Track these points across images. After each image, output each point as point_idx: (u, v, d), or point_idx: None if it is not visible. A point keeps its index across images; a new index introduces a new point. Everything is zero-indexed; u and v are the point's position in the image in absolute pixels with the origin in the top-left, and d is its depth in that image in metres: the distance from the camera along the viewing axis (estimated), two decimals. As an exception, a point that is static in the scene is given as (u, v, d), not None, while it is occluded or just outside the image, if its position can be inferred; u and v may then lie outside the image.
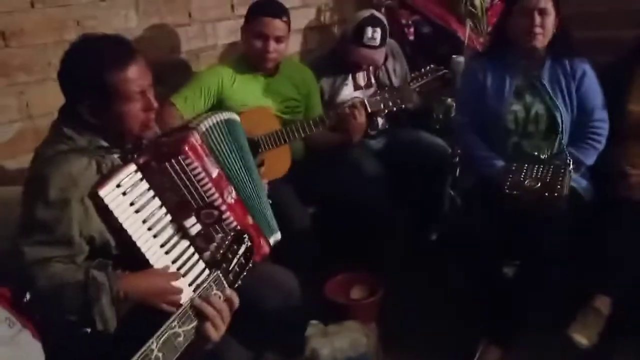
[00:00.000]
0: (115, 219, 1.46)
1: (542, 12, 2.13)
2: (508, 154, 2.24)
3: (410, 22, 3.07)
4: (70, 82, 1.52)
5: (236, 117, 1.84)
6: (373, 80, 2.80)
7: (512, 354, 2.07)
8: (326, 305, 2.32)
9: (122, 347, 1.03)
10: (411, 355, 2.17)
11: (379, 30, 2.59)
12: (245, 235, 1.34)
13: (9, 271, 1.28)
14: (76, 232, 1.42)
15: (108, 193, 1.44)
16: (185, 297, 1.60)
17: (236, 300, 1.20)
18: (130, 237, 1.48)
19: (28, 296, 1.09)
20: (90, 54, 1.49)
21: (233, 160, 1.75)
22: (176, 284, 1.50)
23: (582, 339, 1.90)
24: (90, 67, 1.47)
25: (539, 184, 2.01)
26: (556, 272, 2.02)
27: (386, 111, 2.42)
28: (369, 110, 2.34)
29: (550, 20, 2.15)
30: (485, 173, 2.22)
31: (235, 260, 1.28)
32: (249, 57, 2.43)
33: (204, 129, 1.68)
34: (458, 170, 2.70)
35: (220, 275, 1.21)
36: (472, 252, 2.13)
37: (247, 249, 1.34)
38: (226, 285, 1.21)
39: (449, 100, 2.83)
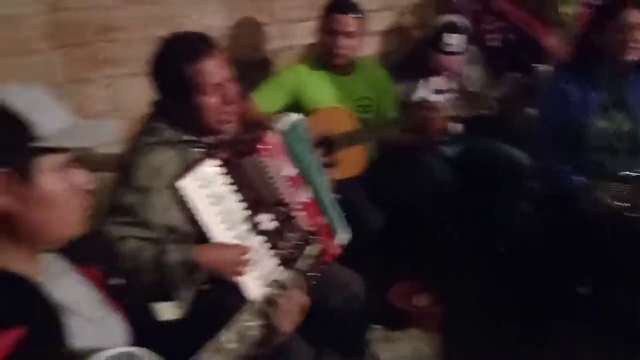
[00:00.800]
0: (194, 210, 1.54)
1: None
2: (590, 170, 2.15)
3: (494, 27, 3.00)
4: (157, 77, 1.61)
5: (303, 117, 1.87)
6: (450, 86, 2.77)
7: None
8: (390, 311, 2.31)
9: (198, 336, 1.08)
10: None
11: (458, 37, 2.57)
12: (317, 236, 1.37)
13: (108, 254, 1.37)
14: (156, 219, 1.51)
15: (188, 185, 1.53)
16: (255, 291, 1.65)
17: (306, 299, 1.22)
18: (206, 227, 1.56)
19: (118, 280, 1.15)
20: (172, 50, 1.59)
21: (307, 161, 1.79)
22: (244, 257, 1.56)
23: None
24: (171, 61, 1.57)
25: (622, 203, 1.93)
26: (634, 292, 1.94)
27: (463, 116, 2.39)
28: (446, 114, 2.32)
29: None
30: (564, 188, 2.14)
31: (305, 259, 1.31)
32: (323, 54, 2.48)
33: (282, 129, 1.72)
34: (533, 184, 2.61)
35: (292, 272, 1.24)
36: (543, 267, 2.07)
37: (318, 249, 1.36)
38: (297, 283, 1.24)
39: (530, 110, 2.75)
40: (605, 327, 2.01)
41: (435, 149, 2.70)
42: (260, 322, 1.12)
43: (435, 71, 2.68)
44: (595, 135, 2.14)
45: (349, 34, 2.41)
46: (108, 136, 1.02)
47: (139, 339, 1.08)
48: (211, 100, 1.58)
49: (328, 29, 2.43)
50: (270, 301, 1.15)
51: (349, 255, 1.98)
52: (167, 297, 1.50)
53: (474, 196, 2.69)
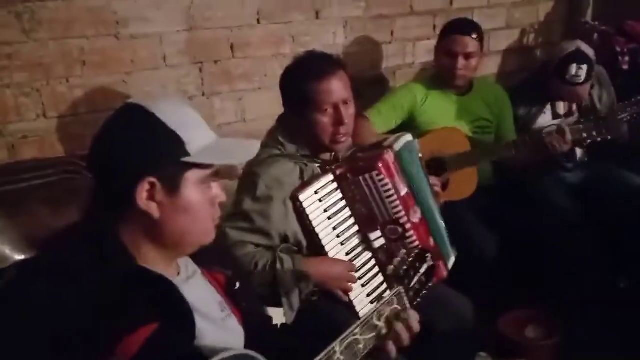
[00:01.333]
0: (310, 222, 1.62)
1: None
2: None
3: (625, 50, 2.83)
4: (284, 91, 1.73)
5: (413, 138, 1.88)
6: (575, 109, 2.64)
7: None
8: (498, 339, 2.24)
9: (306, 345, 1.12)
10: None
11: (584, 67, 2.41)
12: (428, 255, 1.37)
13: (227, 259, 1.47)
14: (273, 227, 1.60)
15: (307, 198, 1.61)
16: (362, 305, 1.69)
17: (417, 317, 1.23)
18: (320, 240, 1.63)
19: (238, 285, 1.24)
20: (301, 67, 1.70)
21: (420, 181, 1.80)
22: (352, 274, 1.63)
23: None
24: (297, 77, 1.67)
25: None
26: None
27: (589, 141, 2.28)
28: (569, 138, 2.23)
29: None
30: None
31: (416, 278, 1.31)
32: (440, 74, 2.47)
33: (397, 149, 1.75)
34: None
35: (402, 291, 1.25)
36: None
37: (428, 268, 1.37)
38: (406, 301, 1.25)
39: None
40: None
41: (555, 174, 2.59)
42: (367, 337, 1.14)
43: (558, 99, 2.58)
44: None
45: (468, 55, 2.38)
46: (251, 155, 1.11)
47: (253, 342, 1.15)
48: (325, 119, 1.65)
49: (447, 50, 2.41)
50: (382, 319, 1.17)
51: (460, 279, 1.96)
52: (276, 303, 1.58)
53: (597, 226, 2.54)
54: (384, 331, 1.17)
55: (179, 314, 1.00)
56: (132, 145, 0.98)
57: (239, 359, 0.98)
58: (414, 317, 1.20)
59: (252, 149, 1.11)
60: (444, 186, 2.29)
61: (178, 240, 1.05)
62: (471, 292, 1.97)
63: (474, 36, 2.40)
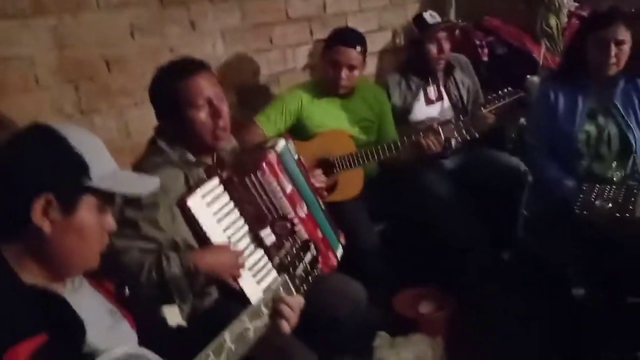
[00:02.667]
0: (200, 227, 1.64)
1: (619, 43, 2.12)
2: (579, 175, 2.23)
3: (484, 43, 3.11)
4: (155, 99, 1.76)
5: (290, 141, 1.96)
6: (444, 94, 2.84)
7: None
8: (395, 318, 2.38)
9: (202, 343, 1.17)
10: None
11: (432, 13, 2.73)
12: (311, 244, 1.45)
13: (115, 268, 1.47)
14: (160, 233, 1.61)
15: (195, 203, 1.63)
16: (256, 297, 1.74)
17: (302, 302, 1.31)
18: (211, 244, 1.65)
19: (127, 291, 1.26)
20: (165, 72, 1.74)
21: (300, 179, 1.89)
22: (240, 260, 1.65)
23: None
24: (164, 82, 1.71)
25: (611, 205, 1.99)
26: (628, 293, 1.99)
27: (459, 139, 2.48)
28: (443, 137, 2.41)
29: (626, 48, 2.14)
30: (556, 194, 2.22)
31: (301, 266, 1.39)
32: (324, 81, 2.58)
33: (279, 150, 1.83)
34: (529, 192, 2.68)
35: (287, 278, 1.33)
36: (542, 274, 2.13)
37: (313, 257, 1.45)
38: (292, 288, 1.32)
39: (522, 120, 2.83)
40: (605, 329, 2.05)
41: (434, 163, 2.79)
42: (258, 325, 1.21)
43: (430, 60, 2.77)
44: (582, 141, 2.22)
45: (352, 67, 2.50)
46: (150, 188, 1.16)
47: (149, 344, 1.17)
48: (201, 115, 1.69)
49: (331, 60, 2.50)
50: (267, 305, 1.24)
51: (352, 267, 2.08)
52: (170, 301, 1.59)
53: (476, 205, 2.76)
54: (270, 317, 1.23)
55: (68, 325, 1.02)
56: (36, 160, 1.02)
57: (129, 356, 1.00)
58: (296, 301, 1.27)
59: (152, 183, 1.17)
60: (333, 187, 2.41)
61: (64, 261, 1.06)
62: (366, 277, 2.10)
63: (359, 49, 2.50)
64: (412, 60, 2.85)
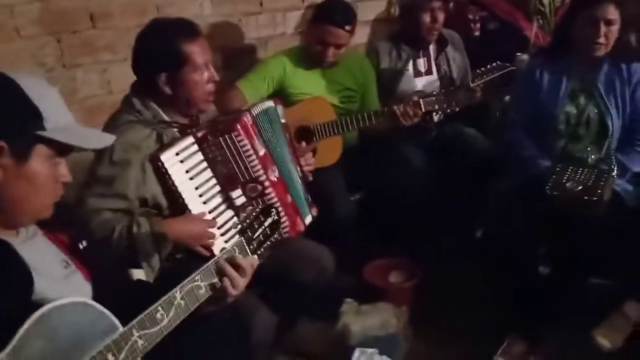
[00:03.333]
0: (171, 183, 1.67)
1: (609, 23, 2.11)
2: (555, 155, 2.25)
3: (477, 17, 3.09)
4: (147, 56, 1.75)
5: (274, 104, 1.98)
6: (434, 67, 2.82)
7: (537, 350, 2.11)
8: (364, 287, 2.44)
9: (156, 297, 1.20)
10: (439, 340, 2.24)
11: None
12: (273, 209, 1.48)
13: (70, 220, 1.50)
14: (131, 191, 1.64)
15: (168, 159, 1.66)
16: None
17: (255, 264, 1.35)
18: (183, 200, 1.70)
19: (84, 243, 1.29)
20: (166, 31, 1.73)
21: (278, 144, 1.91)
22: (211, 230, 1.69)
23: (605, 342, 1.91)
24: (167, 40, 1.70)
25: (580, 187, 2.01)
26: (590, 274, 2.03)
27: (440, 112, 2.48)
28: (423, 109, 2.41)
29: (615, 29, 2.13)
30: (529, 172, 2.24)
31: (260, 230, 1.42)
32: (309, 54, 2.55)
33: (255, 113, 1.85)
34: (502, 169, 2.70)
35: (244, 241, 1.36)
36: (509, 250, 2.17)
37: (274, 221, 1.48)
38: (248, 250, 1.36)
39: (507, 98, 2.83)
40: (564, 307, 2.10)
41: (414, 135, 2.79)
42: (208, 282, 1.25)
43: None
44: (561, 121, 2.23)
45: (339, 46, 2.48)
46: (105, 143, 1.18)
47: (102, 297, 1.21)
48: (202, 78, 1.73)
49: (318, 37, 2.47)
50: (217, 265, 1.28)
51: (324, 234, 2.12)
52: (137, 265, 1.64)
53: (452, 181, 2.77)
54: (220, 277, 1.28)
55: (13, 272, 1.05)
56: None
57: (72, 305, 1.04)
58: (247, 263, 1.32)
59: (107, 138, 1.20)
60: (312, 154, 2.42)
61: (14, 208, 1.08)
62: (338, 246, 2.14)
63: (347, 28, 2.46)
64: (404, 28, 2.82)
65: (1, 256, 1.05)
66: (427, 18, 2.67)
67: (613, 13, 2.11)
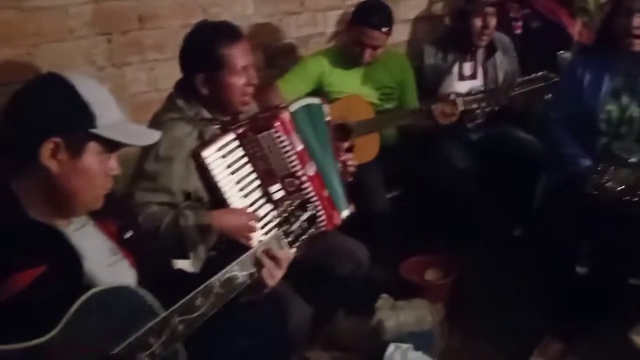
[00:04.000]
0: (213, 178, 1.74)
1: None
2: (597, 154, 2.21)
3: (519, 15, 3.05)
4: (190, 56, 1.83)
5: (319, 102, 2.02)
6: (480, 72, 2.81)
7: (574, 350, 2.09)
8: (400, 283, 2.46)
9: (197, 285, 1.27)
10: (474, 338, 2.25)
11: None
12: (310, 205, 1.53)
13: (119, 211, 1.59)
14: (175, 185, 1.72)
15: (210, 154, 1.73)
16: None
17: (290, 256, 1.40)
18: (223, 194, 1.76)
19: (130, 233, 1.37)
20: (208, 34, 1.81)
21: (317, 140, 1.95)
22: (253, 223, 1.75)
23: (641, 342, 1.88)
24: (208, 43, 1.78)
25: (621, 187, 1.99)
26: (629, 275, 2.01)
27: (478, 112, 2.47)
28: (460, 108, 2.42)
29: None
30: (571, 171, 2.21)
31: (297, 224, 1.47)
32: (348, 51, 2.60)
33: (293, 110, 1.89)
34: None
35: (281, 234, 1.41)
36: (549, 249, 2.16)
37: (311, 216, 1.53)
38: (285, 243, 1.41)
39: (549, 96, 2.78)
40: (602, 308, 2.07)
41: (456, 134, 2.79)
42: (245, 273, 1.30)
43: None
44: (602, 120, 2.20)
45: (376, 47, 2.52)
46: (152, 139, 1.26)
47: (147, 283, 1.28)
48: (239, 81, 1.79)
49: (356, 39, 2.53)
50: (255, 257, 1.33)
51: (361, 229, 2.15)
52: (184, 256, 1.72)
53: (494, 180, 2.77)
54: (257, 268, 1.33)
55: (66, 257, 1.13)
56: (46, 106, 1.11)
57: (117, 290, 1.12)
58: (284, 255, 1.37)
59: (154, 135, 1.27)
60: (349, 150, 2.46)
61: (69, 200, 1.16)
62: (374, 242, 2.17)
63: (384, 30, 2.50)
64: (453, 31, 2.82)
65: (55, 243, 1.13)
66: (478, 23, 2.65)
67: None
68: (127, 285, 1.16)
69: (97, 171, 1.16)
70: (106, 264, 1.24)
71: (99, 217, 1.29)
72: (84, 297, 1.07)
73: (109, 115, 1.16)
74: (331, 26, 2.98)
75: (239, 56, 1.77)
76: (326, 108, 2.03)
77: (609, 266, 2.04)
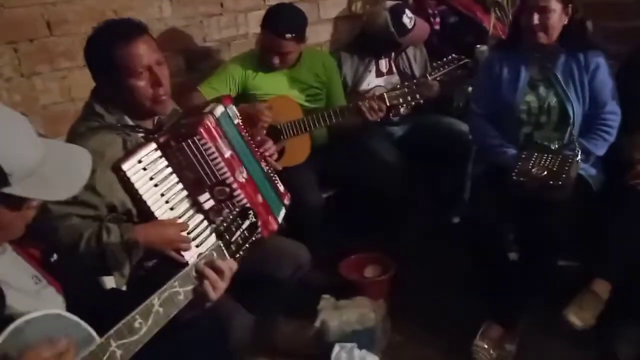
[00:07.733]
0: (136, 191, 1.62)
1: (542, 11, 2.16)
2: (519, 143, 2.29)
3: (436, 11, 3.13)
4: (90, 60, 1.70)
5: (232, 106, 1.95)
6: (394, 67, 2.87)
7: (513, 333, 2.16)
8: (341, 283, 2.45)
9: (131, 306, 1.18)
10: (417, 331, 2.28)
11: (409, 15, 2.73)
12: (251, 212, 1.47)
13: (40, 234, 1.46)
14: (97, 198, 1.58)
15: (130, 167, 1.61)
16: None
17: (234, 267, 1.34)
18: (149, 208, 1.65)
19: (55, 257, 1.26)
20: (103, 35, 1.66)
21: (241, 143, 1.89)
22: (184, 234, 1.65)
23: (577, 321, 1.96)
24: (102, 45, 1.65)
25: (545, 172, 2.06)
26: (558, 257, 2.09)
27: (404, 105, 2.51)
28: (388, 104, 2.44)
29: (555, 17, 2.17)
30: (496, 161, 2.29)
31: (238, 233, 1.41)
32: (264, 58, 2.54)
33: (218, 114, 1.81)
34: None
35: (222, 245, 1.35)
36: (480, 237, 2.21)
37: (251, 224, 1.47)
38: (226, 254, 1.35)
39: (470, 89, 2.88)
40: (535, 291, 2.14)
41: (383, 129, 2.83)
42: (186, 288, 1.23)
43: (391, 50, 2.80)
44: (522, 110, 2.28)
45: (284, 54, 2.47)
46: (76, 189, 1.14)
47: (80, 308, 1.18)
48: (141, 83, 1.65)
49: (266, 45, 2.48)
50: (197, 270, 1.27)
51: (298, 231, 2.12)
52: (107, 273, 1.60)
53: (425, 171, 2.82)
54: (199, 282, 1.26)
55: None
56: None
57: (47, 318, 1.02)
58: (226, 266, 1.31)
59: (78, 183, 1.16)
60: (280, 153, 2.41)
61: None
62: (310, 244, 2.14)
63: (289, 36, 2.42)
64: (366, 32, 2.84)
65: None
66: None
67: (549, 2, 2.15)
68: (56, 312, 1.06)
69: (14, 217, 1.07)
70: (30, 291, 1.14)
71: (20, 243, 1.18)
72: (7, 330, 0.97)
73: (24, 165, 1.04)
74: (254, 27, 2.92)
75: (137, 55, 1.63)
76: (232, 109, 1.94)
77: (537, 249, 2.10)
